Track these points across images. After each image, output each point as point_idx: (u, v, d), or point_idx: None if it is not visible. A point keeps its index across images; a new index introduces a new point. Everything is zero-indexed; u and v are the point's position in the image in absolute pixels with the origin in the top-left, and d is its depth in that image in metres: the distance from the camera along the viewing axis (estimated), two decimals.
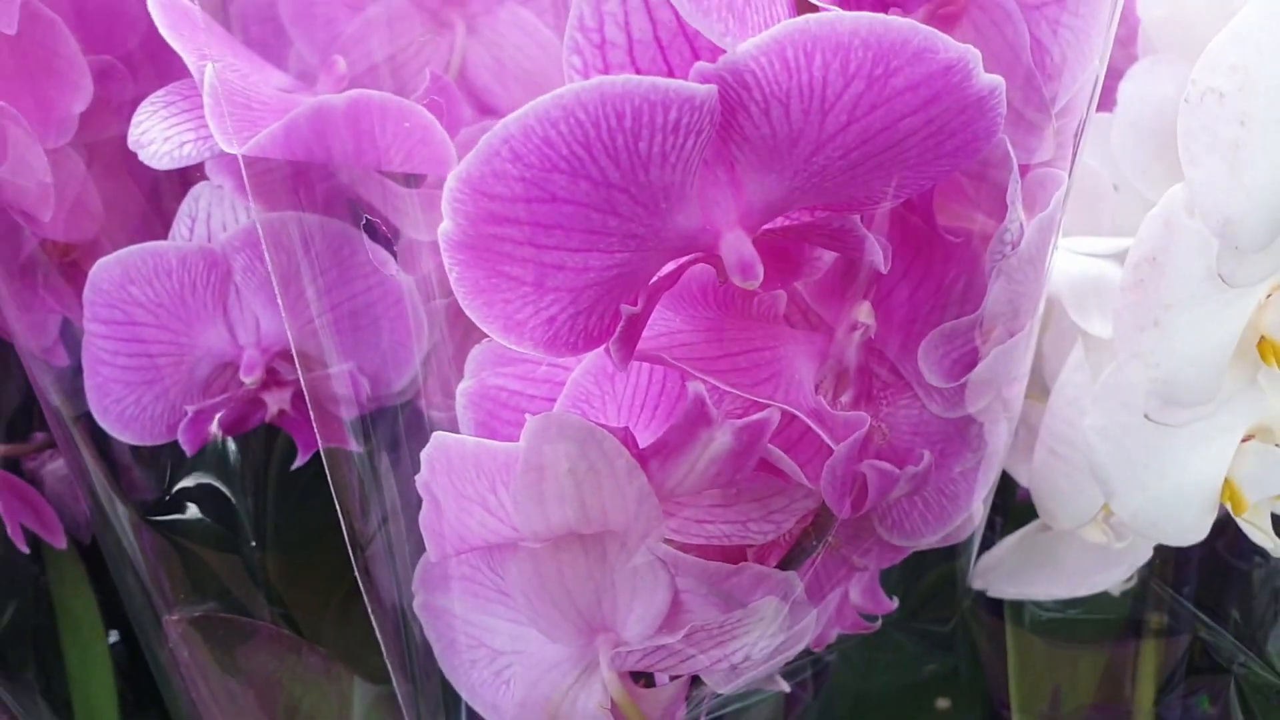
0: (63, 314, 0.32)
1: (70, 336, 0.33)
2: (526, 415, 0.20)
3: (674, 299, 0.20)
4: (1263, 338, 0.22)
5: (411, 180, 0.28)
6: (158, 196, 0.30)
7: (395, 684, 0.27)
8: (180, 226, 0.28)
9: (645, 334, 0.20)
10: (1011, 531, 0.30)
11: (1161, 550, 0.28)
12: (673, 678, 0.24)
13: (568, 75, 0.17)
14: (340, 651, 0.31)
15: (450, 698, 0.26)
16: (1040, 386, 0.27)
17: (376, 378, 0.29)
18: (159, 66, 0.30)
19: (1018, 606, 0.31)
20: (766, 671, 0.24)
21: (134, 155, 0.29)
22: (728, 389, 0.20)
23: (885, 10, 0.19)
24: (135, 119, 0.25)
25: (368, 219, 0.28)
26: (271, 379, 0.30)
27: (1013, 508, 0.30)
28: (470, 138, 0.28)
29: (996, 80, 0.17)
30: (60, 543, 0.36)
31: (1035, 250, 0.20)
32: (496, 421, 0.24)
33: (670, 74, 0.17)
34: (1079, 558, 0.28)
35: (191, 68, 0.25)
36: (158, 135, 0.24)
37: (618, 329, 0.19)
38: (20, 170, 0.27)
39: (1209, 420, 0.23)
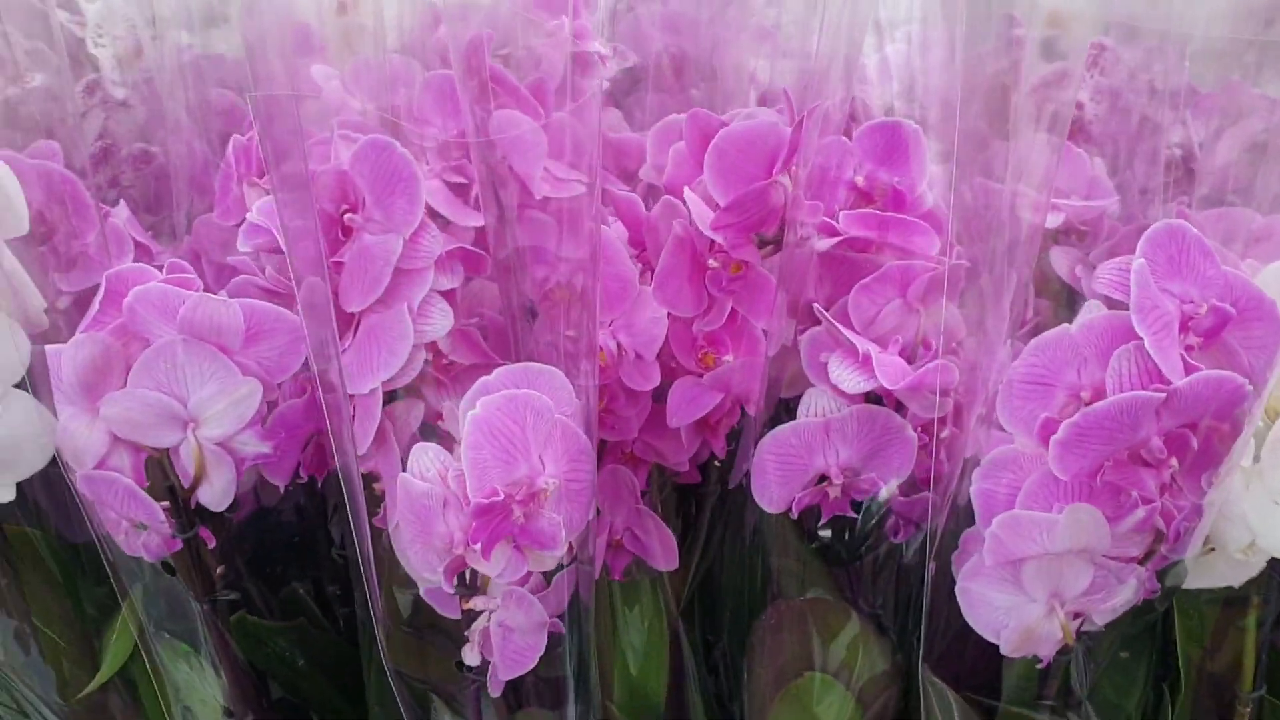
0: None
1: None
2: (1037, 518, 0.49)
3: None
4: None
5: None
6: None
7: (924, 627, 0.55)
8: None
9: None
10: None
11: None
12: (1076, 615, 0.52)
13: (1110, 383, 0.46)
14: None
15: (958, 631, 0.54)
16: None
17: (885, 478, 0.58)
18: None
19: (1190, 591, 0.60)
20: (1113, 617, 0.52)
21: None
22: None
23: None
24: (831, 369, 0.53)
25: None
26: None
27: None
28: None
29: (1251, 385, 0.46)
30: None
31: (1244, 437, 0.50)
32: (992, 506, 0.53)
33: (1143, 384, 0.46)
34: (1228, 565, 0.57)
35: (858, 344, 0.54)
36: (846, 377, 0.53)
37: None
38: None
39: None
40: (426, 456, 0.48)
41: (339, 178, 0.56)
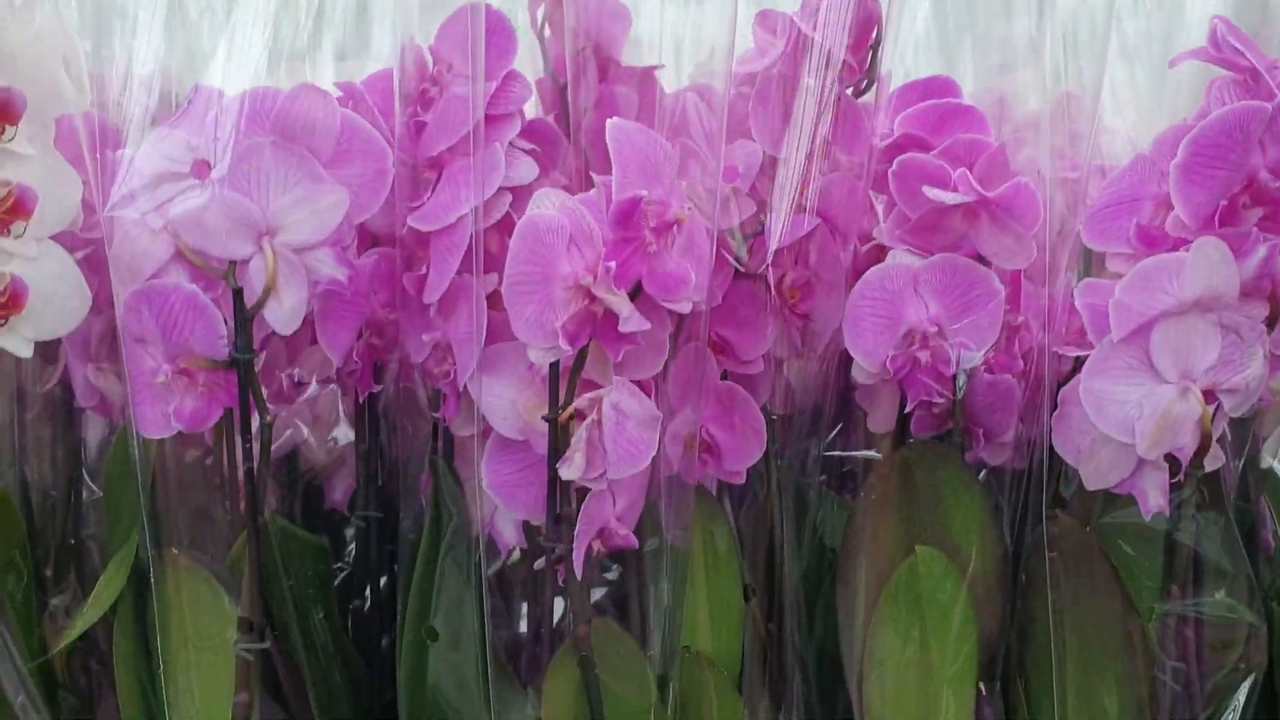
0: None
1: None
2: None
3: None
4: None
5: None
6: None
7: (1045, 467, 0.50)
8: None
9: None
10: None
11: None
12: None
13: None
14: None
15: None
16: None
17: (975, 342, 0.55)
18: None
19: None
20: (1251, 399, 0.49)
21: None
22: None
23: None
24: (927, 192, 0.53)
25: None
26: None
27: None
28: None
29: None
30: None
31: None
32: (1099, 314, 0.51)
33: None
34: None
35: (949, 169, 0.54)
36: (945, 195, 0.52)
37: None
38: None
39: None
40: (549, 200, 0.45)
41: (419, 57, 0.56)
